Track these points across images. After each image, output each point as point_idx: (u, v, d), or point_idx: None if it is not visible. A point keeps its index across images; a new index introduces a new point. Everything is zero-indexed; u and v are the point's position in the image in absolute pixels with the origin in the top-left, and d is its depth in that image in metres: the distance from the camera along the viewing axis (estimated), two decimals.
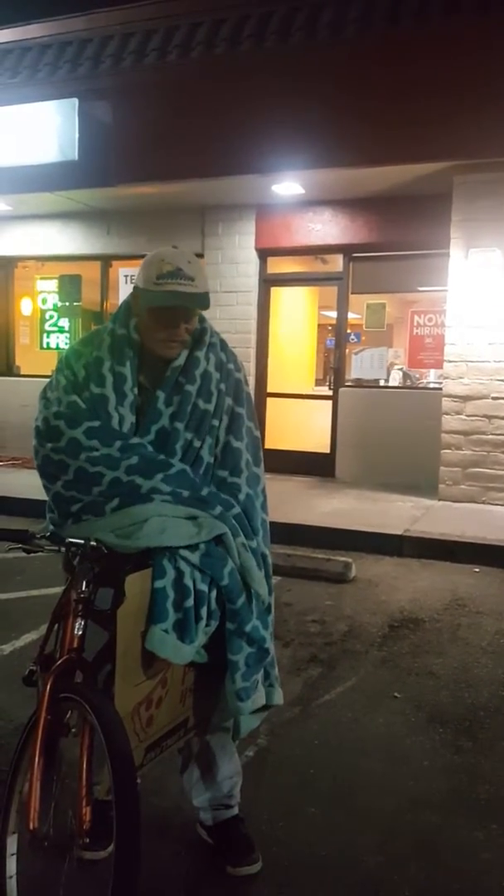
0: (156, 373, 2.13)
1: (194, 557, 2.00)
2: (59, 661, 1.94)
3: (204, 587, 2.01)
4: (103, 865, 2.04)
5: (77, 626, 1.95)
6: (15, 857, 1.94)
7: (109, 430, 2.04)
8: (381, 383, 9.05)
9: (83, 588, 1.94)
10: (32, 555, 2.05)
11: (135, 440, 2.05)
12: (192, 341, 2.15)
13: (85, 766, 1.82)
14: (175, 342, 2.10)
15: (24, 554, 2.06)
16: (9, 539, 1.99)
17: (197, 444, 2.11)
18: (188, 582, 1.98)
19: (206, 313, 2.20)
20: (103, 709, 1.83)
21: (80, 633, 1.95)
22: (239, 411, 2.20)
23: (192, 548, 2.00)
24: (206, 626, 2.03)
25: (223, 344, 2.25)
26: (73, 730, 1.87)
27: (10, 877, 1.93)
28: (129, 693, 1.94)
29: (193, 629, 1.98)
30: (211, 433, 2.14)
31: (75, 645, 1.94)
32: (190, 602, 1.98)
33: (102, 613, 1.95)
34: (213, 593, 2.04)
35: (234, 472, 2.16)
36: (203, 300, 2.06)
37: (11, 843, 1.94)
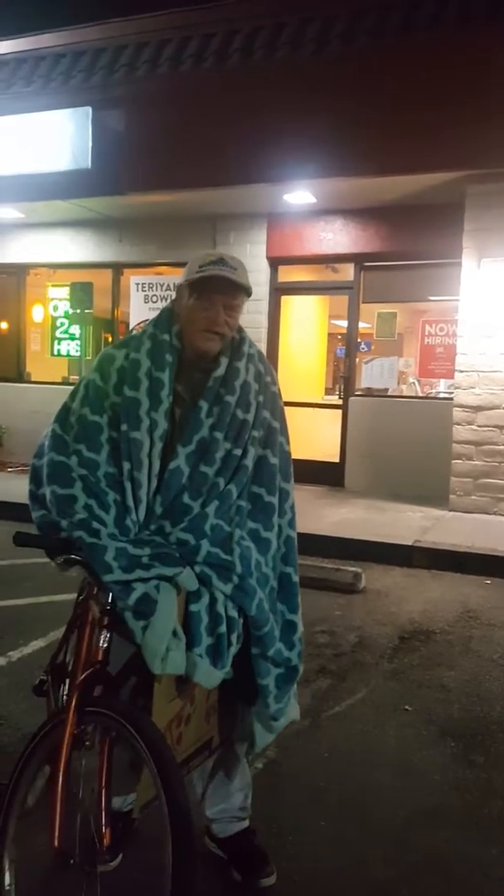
0: (194, 382, 2.11)
1: (227, 589, 1.99)
2: (85, 675, 1.90)
3: (234, 614, 2.01)
4: (112, 877, 2.02)
5: (102, 638, 1.92)
6: (14, 866, 1.90)
7: (68, 467, 2.00)
8: (391, 393, 9.02)
9: (109, 599, 1.92)
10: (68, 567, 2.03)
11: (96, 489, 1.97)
12: (231, 351, 2.14)
13: (104, 781, 1.79)
14: (215, 333, 2.08)
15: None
16: (47, 548, 1.99)
17: (237, 453, 2.08)
18: (220, 609, 1.98)
19: None
20: (142, 723, 1.80)
21: (106, 645, 1.92)
22: (275, 426, 2.19)
23: (225, 580, 1.99)
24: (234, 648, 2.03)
25: (260, 355, 2.24)
26: (87, 743, 1.84)
27: (9, 886, 1.90)
28: (165, 709, 1.93)
29: (226, 654, 1.98)
30: (252, 443, 2.11)
31: (99, 658, 1.91)
32: (223, 628, 1.97)
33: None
34: (242, 619, 2.04)
35: (270, 490, 2.13)
36: (245, 287, 2.09)
37: (11, 852, 1.90)
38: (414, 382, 9.10)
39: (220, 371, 2.10)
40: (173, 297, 2.20)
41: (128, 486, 1.99)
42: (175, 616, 1.90)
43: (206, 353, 2.10)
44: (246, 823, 2.33)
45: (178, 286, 2.13)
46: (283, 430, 2.23)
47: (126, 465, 1.99)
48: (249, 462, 2.10)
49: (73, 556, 1.95)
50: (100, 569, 1.89)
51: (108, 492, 1.98)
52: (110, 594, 1.91)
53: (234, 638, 2.01)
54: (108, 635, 1.93)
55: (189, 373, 2.12)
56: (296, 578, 2.20)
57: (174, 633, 1.88)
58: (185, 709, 2.00)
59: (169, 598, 1.89)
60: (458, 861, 2.40)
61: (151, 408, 2.03)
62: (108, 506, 1.97)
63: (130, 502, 1.99)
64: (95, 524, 1.93)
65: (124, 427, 2.01)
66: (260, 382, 2.18)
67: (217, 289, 2.05)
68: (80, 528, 1.93)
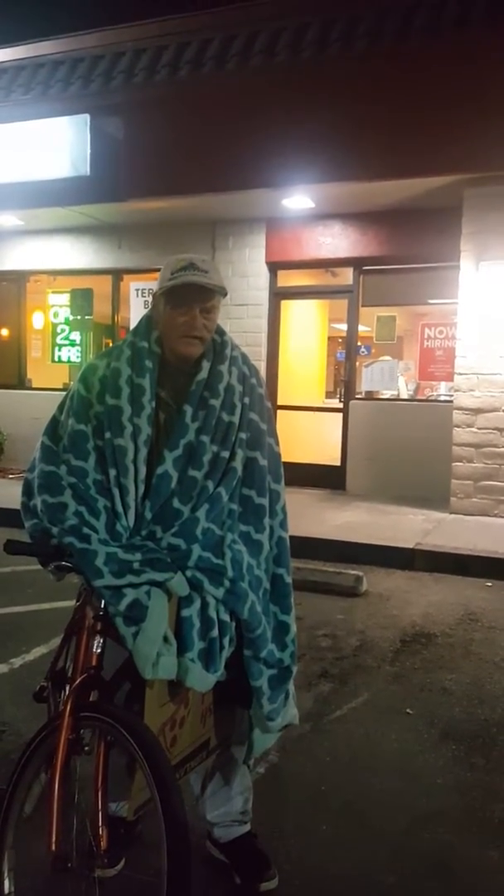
0: (178, 387, 2.13)
1: (218, 593, 2.00)
2: (79, 680, 1.91)
3: (226, 617, 2.02)
4: (113, 882, 2.02)
5: (96, 643, 1.93)
6: (13, 873, 1.90)
7: (58, 476, 2.02)
8: (392, 396, 9.02)
9: (102, 605, 1.92)
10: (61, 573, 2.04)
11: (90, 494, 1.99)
12: (213, 354, 2.16)
13: (100, 785, 1.80)
14: (194, 337, 2.09)
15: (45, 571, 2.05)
16: (39, 555, 2.00)
17: (224, 455, 2.09)
18: (212, 613, 1.99)
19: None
20: (136, 727, 1.81)
21: (99, 650, 1.93)
22: (262, 427, 2.19)
23: (217, 584, 2.00)
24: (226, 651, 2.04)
25: (244, 357, 2.26)
26: (87, 748, 1.85)
27: (9, 892, 1.90)
28: (157, 713, 1.93)
29: (218, 658, 1.99)
30: (240, 446, 2.12)
31: (94, 663, 1.92)
32: (215, 633, 1.98)
33: None
34: (234, 623, 2.05)
35: (260, 491, 2.14)
36: (219, 288, 2.10)
37: (10, 859, 1.90)
38: (399, 376, 9.03)
39: (203, 375, 2.12)
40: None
41: (115, 492, 2.00)
42: (166, 621, 1.91)
43: (187, 357, 2.12)
44: (247, 827, 2.33)
45: (154, 294, 2.15)
46: (272, 432, 2.24)
47: (112, 472, 2.01)
48: (238, 464, 2.11)
49: (64, 563, 1.96)
50: (90, 574, 1.90)
51: (97, 498, 1.99)
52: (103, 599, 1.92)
53: (226, 641, 2.01)
54: (102, 640, 1.93)
55: (172, 378, 2.14)
56: (288, 580, 2.20)
57: (165, 639, 1.89)
58: (178, 712, 2.01)
59: (160, 604, 1.90)
60: (459, 865, 2.40)
61: (134, 414, 2.05)
62: (98, 512, 1.98)
63: (119, 508, 2.00)
64: (86, 530, 1.95)
65: (108, 434, 2.04)
66: (245, 384, 2.19)
67: (191, 295, 2.07)
68: (71, 535, 1.94)
